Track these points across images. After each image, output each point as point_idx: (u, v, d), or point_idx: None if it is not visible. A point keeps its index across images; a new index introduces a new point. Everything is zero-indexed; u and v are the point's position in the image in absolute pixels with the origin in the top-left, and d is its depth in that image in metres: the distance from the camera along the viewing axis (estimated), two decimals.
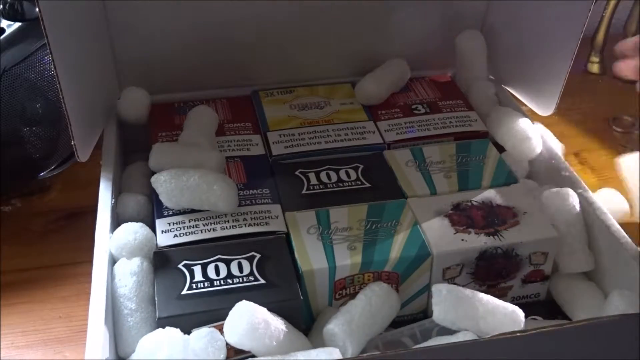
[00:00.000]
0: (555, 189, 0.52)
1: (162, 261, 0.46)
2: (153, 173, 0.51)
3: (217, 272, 0.45)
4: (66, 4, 0.50)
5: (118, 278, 0.45)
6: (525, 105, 0.63)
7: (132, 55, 0.61)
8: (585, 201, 0.51)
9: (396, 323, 0.48)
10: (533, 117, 0.60)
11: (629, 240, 0.48)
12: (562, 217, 0.50)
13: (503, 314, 0.43)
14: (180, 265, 0.45)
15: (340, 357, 0.41)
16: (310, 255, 0.46)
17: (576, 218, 0.50)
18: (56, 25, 0.47)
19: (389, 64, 0.64)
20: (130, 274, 0.45)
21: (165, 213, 0.49)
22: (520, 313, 0.43)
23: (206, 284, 0.44)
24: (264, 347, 0.41)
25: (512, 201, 0.51)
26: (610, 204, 0.56)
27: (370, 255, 0.46)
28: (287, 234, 0.48)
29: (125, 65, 0.62)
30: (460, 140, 0.58)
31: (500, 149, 0.58)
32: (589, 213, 0.51)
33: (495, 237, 0.48)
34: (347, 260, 0.46)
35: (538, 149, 0.57)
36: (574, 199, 0.51)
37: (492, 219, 0.49)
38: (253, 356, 0.42)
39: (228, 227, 0.48)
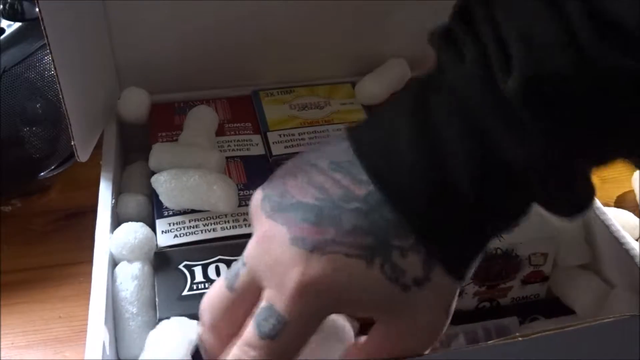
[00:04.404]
0: None
1: (162, 262, 0.46)
2: (153, 173, 0.51)
3: (218, 273, 0.45)
4: (66, 4, 0.49)
5: (119, 282, 0.45)
6: None
7: (132, 55, 0.61)
8: None
9: None
10: None
11: (629, 240, 0.48)
12: None
13: None
14: (180, 266, 0.45)
15: None
16: None
17: None
18: (56, 25, 0.47)
19: (389, 64, 0.64)
20: (131, 278, 0.45)
21: (166, 213, 0.49)
22: None
23: (207, 285, 0.44)
24: None
25: None
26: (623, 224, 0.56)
27: None
28: None
29: (125, 65, 0.62)
30: None
31: None
32: (588, 213, 0.51)
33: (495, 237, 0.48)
34: None
35: None
36: None
37: None
38: None
39: (228, 228, 0.48)
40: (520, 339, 0.31)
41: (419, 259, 0.31)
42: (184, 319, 0.41)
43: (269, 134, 0.58)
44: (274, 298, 0.31)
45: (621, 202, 0.64)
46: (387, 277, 0.30)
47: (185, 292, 0.44)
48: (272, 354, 0.31)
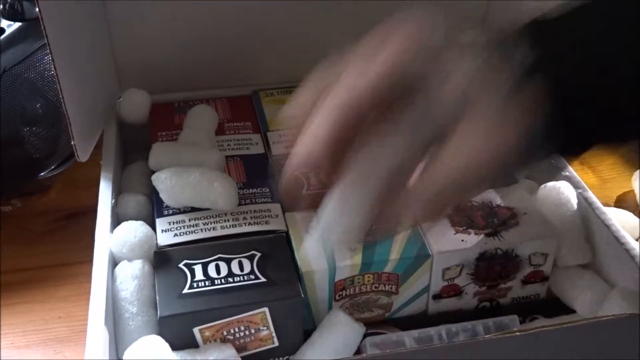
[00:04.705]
0: (550, 183, 0.52)
1: (162, 260, 0.46)
2: (153, 172, 0.51)
3: (218, 271, 0.45)
4: (66, 4, 0.50)
5: (119, 281, 0.45)
6: None
7: (132, 55, 0.61)
8: (585, 201, 0.51)
9: (396, 323, 0.48)
10: None
11: (629, 240, 0.48)
12: (557, 211, 0.50)
13: None
14: (180, 265, 0.45)
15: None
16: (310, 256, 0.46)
17: (571, 211, 0.51)
18: (56, 25, 0.47)
19: None
20: (131, 278, 0.45)
21: (166, 212, 0.49)
22: None
23: (207, 283, 0.44)
24: None
25: (512, 201, 0.51)
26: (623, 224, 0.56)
27: (370, 256, 0.46)
28: (287, 233, 0.48)
29: (125, 65, 0.62)
30: None
31: None
32: (588, 213, 0.51)
33: (495, 237, 0.48)
34: (347, 261, 0.46)
35: None
36: (569, 192, 0.51)
37: (492, 219, 0.49)
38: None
39: (228, 226, 0.48)
40: (518, 333, 0.31)
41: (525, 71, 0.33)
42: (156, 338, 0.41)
43: (269, 134, 0.58)
44: None
45: (621, 202, 0.65)
46: (495, 68, 0.33)
47: (185, 290, 0.43)
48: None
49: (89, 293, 0.43)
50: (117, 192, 0.54)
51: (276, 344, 0.45)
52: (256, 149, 0.57)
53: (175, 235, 0.48)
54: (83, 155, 0.52)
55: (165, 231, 0.48)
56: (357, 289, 0.47)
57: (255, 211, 0.50)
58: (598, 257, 0.50)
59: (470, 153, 0.34)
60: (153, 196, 0.50)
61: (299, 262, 0.46)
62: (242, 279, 0.44)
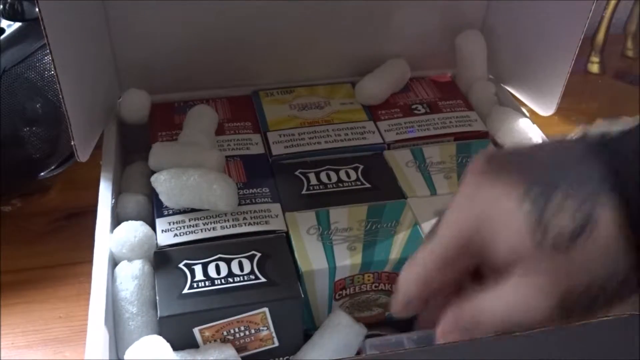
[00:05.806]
0: None
1: (162, 261, 0.46)
2: (153, 173, 0.51)
3: (218, 271, 0.45)
4: (66, 4, 0.50)
5: (119, 281, 0.45)
6: (526, 105, 0.63)
7: (132, 55, 0.61)
8: None
9: (396, 323, 0.48)
10: (533, 117, 0.60)
11: None
12: None
13: None
14: (181, 265, 0.45)
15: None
16: (310, 256, 0.46)
17: None
18: (56, 25, 0.47)
19: (389, 64, 0.64)
20: (131, 278, 0.45)
21: (165, 212, 0.49)
22: None
23: (207, 283, 0.44)
24: None
25: None
26: None
27: (370, 255, 0.46)
28: (287, 233, 0.48)
29: (125, 65, 0.62)
30: (460, 140, 0.58)
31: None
32: None
33: None
34: (347, 260, 0.46)
35: None
36: None
37: None
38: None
39: (228, 227, 0.48)
40: (518, 333, 0.31)
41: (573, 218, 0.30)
42: (158, 338, 0.42)
43: (268, 134, 0.58)
44: None
45: None
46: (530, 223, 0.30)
47: (185, 291, 0.44)
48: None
49: (89, 293, 0.43)
50: (117, 192, 0.54)
51: (276, 344, 0.45)
52: (256, 149, 0.57)
53: (175, 235, 0.48)
54: (83, 155, 0.52)
55: (165, 231, 0.48)
56: (357, 289, 0.47)
57: (255, 211, 0.50)
58: None
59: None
60: (153, 196, 0.50)
61: (299, 262, 0.46)
62: (242, 279, 0.44)
